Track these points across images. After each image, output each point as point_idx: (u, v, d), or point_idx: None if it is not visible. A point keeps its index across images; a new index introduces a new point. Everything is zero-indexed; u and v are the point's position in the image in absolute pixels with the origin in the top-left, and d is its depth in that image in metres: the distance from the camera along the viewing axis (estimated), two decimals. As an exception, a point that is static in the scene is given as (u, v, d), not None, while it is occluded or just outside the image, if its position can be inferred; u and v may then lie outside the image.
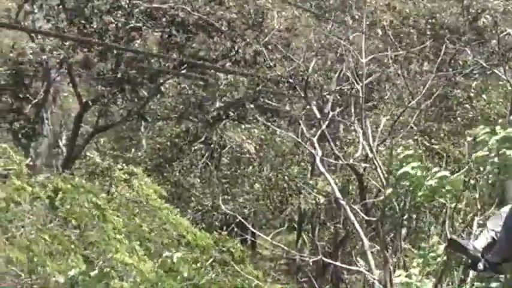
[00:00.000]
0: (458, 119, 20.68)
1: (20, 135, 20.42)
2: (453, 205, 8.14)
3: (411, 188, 8.04)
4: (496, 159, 7.43)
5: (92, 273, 10.11)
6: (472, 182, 7.95)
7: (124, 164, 13.81)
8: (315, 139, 18.08)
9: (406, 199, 8.56)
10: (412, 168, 7.81)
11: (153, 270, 11.36)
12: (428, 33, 18.71)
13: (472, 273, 8.53)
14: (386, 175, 9.20)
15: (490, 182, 7.84)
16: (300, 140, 18.10)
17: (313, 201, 22.46)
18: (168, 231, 12.98)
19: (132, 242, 11.46)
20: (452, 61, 20.16)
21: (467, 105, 20.23)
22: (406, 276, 8.07)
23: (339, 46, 17.31)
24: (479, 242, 7.34)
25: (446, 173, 7.98)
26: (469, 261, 7.38)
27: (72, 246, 11.32)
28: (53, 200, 11.45)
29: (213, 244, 12.91)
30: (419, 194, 7.96)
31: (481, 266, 7.18)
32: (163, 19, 19.11)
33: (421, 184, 7.84)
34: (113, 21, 18.94)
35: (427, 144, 19.76)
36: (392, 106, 20.62)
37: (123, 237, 11.44)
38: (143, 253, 11.51)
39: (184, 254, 12.15)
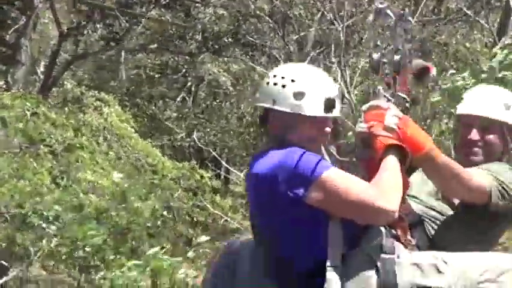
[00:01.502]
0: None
1: (-3, 61, 20.27)
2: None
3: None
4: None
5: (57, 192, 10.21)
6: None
7: (96, 92, 13.78)
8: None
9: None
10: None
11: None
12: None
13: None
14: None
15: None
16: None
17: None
18: (138, 159, 13.02)
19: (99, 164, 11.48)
20: (436, 9, 20.03)
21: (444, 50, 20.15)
22: None
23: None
24: None
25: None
26: None
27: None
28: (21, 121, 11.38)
29: (182, 173, 12.94)
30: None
31: None
32: None
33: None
34: None
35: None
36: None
37: (92, 161, 11.44)
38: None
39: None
